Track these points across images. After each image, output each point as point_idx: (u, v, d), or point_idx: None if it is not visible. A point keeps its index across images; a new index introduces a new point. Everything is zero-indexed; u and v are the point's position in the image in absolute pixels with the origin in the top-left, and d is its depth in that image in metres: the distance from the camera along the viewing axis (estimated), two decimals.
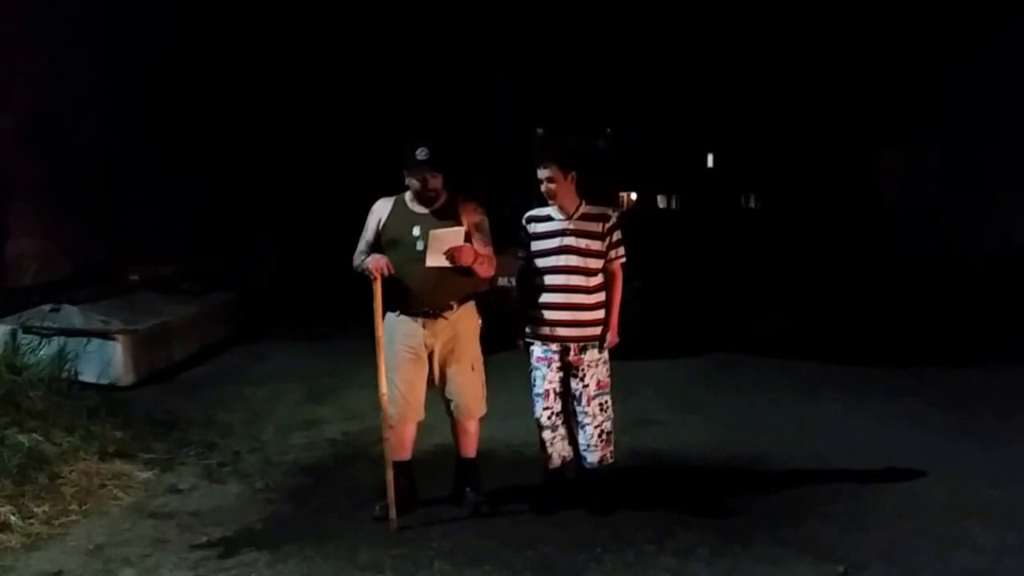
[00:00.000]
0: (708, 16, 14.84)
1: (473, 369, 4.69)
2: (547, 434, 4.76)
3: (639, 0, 14.72)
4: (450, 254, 4.36)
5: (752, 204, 17.00)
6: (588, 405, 4.69)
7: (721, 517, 4.66)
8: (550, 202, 4.74)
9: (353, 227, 4.80)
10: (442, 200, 4.62)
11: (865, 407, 6.86)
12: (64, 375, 6.92)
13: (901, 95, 14.16)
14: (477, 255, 4.48)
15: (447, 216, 4.57)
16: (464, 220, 4.58)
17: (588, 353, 4.69)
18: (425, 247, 4.44)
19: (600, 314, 4.71)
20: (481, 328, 4.80)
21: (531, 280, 4.74)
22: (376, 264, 4.46)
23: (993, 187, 13.42)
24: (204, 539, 4.44)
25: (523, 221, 4.82)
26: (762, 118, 15.23)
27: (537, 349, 4.73)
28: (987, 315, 10.55)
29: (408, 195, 4.66)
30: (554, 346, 4.69)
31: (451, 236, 4.41)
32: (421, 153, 4.50)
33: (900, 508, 4.74)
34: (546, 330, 4.68)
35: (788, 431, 6.28)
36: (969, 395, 7.20)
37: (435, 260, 4.41)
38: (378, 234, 4.66)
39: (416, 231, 4.52)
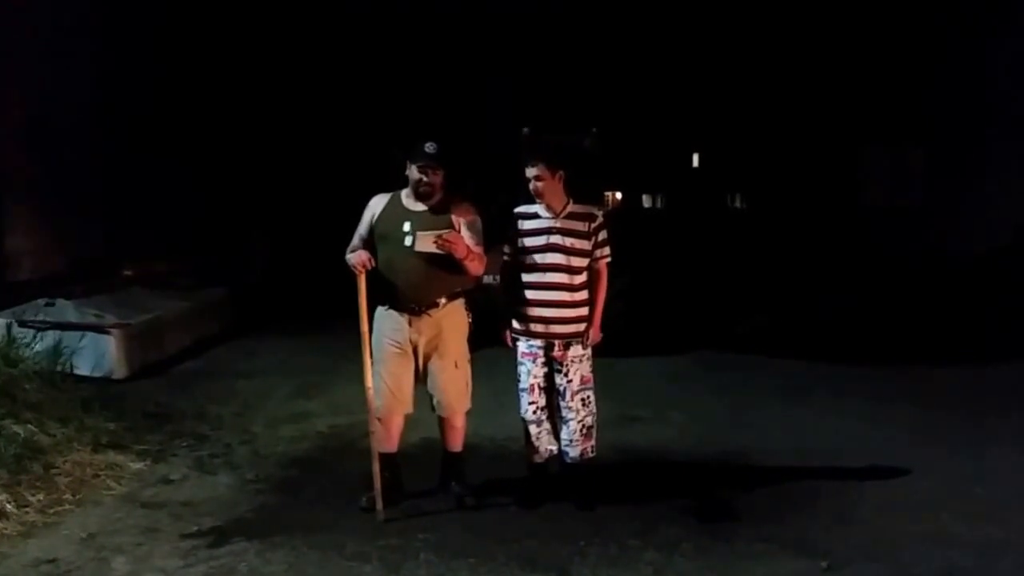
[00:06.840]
0: (695, 16, 14.85)
1: (457, 366, 4.71)
2: (532, 428, 4.81)
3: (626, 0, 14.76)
4: (440, 242, 4.42)
5: (738, 204, 17.00)
6: (571, 400, 4.73)
7: (705, 513, 4.72)
8: (537, 200, 4.77)
9: (346, 226, 4.86)
10: (436, 198, 4.67)
11: (849, 406, 6.88)
12: (59, 368, 6.98)
13: (887, 94, 14.21)
14: (469, 250, 4.53)
15: (440, 214, 4.62)
16: (456, 219, 4.63)
17: (572, 349, 4.73)
18: (413, 243, 4.52)
19: (584, 311, 4.75)
20: (470, 325, 4.83)
21: (516, 277, 4.78)
22: (358, 259, 4.53)
23: (978, 187, 13.49)
24: (195, 528, 4.50)
25: (511, 217, 4.86)
26: (748, 118, 15.24)
27: (522, 345, 4.78)
28: (972, 315, 10.57)
29: (404, 192, 4.72)
30: (539, 342, 4.73)
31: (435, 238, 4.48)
32: (430, 147, 4.60)
33: (883, 504, 4.79)
34: (531, 326, 4.73)
35: (772, 429, 6.33)
36: (954, 395, 7.23)
37: (424, 247, 4.49)
38: (371, 228, 4.72)
39: (406, 226, 4.57)
